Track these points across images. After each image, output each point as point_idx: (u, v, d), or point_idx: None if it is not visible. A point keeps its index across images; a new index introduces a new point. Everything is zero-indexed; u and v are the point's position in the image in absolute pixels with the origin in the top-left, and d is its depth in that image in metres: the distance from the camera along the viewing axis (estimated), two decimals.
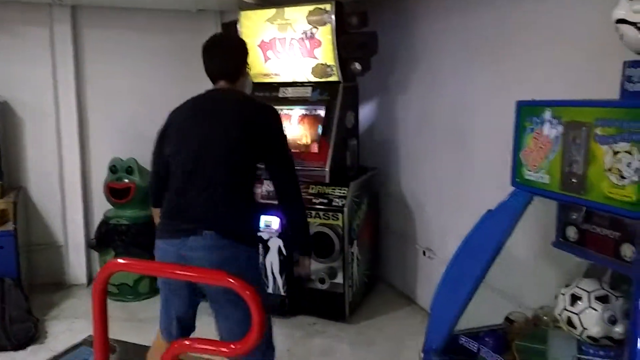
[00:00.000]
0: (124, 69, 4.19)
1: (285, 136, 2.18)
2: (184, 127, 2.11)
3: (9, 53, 3.92)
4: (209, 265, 1.85)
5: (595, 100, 1.47)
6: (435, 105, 3.53)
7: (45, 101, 4.03)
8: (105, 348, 1.55)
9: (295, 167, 2.19)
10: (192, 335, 2.10)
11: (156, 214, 2.21)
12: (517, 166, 1.71)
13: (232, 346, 1.39)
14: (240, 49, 2.26)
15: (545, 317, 1.91)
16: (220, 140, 2.02)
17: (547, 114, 1.58)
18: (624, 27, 1.48)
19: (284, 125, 2.24)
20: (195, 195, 1.98)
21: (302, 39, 3.61)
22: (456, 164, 3.34)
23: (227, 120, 2.06)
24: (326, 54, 3.57)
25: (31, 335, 3.19)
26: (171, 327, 2.11)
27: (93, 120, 4.19)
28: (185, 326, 2.12)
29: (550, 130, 1.56)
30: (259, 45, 3.75)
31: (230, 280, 1.36)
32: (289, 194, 2.17)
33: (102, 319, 1.53)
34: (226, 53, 2.22)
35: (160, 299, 2.14)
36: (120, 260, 1.57)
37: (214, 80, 2.22)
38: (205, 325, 2.16)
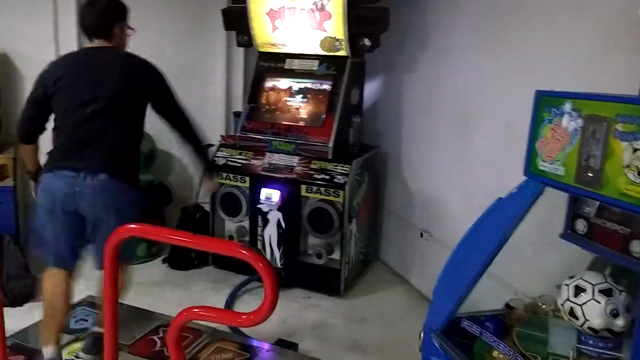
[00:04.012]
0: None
1: (167, 82, 2.40)
2: (70, 86, 2.29)
3: (8, 3, 3.81)
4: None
5: (617, 96, 1.47)
6: (442, 87, 3.51)
7: (46, 55, 3.94)
8: (115, 314, 1.56)
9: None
10: None
11: (25, 150, 2.63)
12: (531, 156, 1.71)
13: (244, 316, 1.40)
14: (113, 9, 2.37)
15: (543, 306, 1.95)
16: (105, 95, 2.24)
17: (567, 106, 1.57)
18: None
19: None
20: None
21: (312, 9, 3.55)
22: (458, 147, 3.34)
23: (110, 75, 2.27)
24: (336, 27, 3.52)
25: (28, 293, 3.20)
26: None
27: None
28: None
29: (570, 123, 1.55)
30: (267, 13, 3.69)
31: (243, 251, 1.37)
32: (183, 126, 2.48)
33: (112, 285, 1.54)
34: (99, 11, 2.34)
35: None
36: (131, 226, 1.56)
37: (88, 36, 2.37)
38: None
